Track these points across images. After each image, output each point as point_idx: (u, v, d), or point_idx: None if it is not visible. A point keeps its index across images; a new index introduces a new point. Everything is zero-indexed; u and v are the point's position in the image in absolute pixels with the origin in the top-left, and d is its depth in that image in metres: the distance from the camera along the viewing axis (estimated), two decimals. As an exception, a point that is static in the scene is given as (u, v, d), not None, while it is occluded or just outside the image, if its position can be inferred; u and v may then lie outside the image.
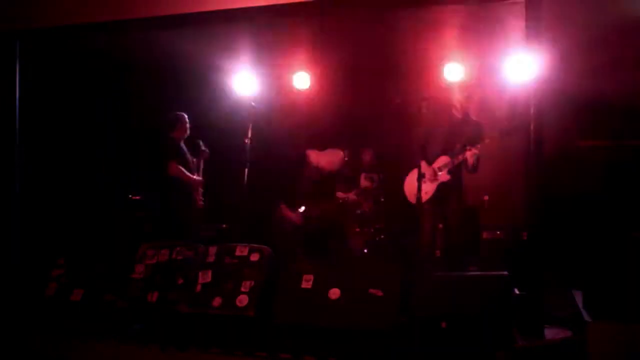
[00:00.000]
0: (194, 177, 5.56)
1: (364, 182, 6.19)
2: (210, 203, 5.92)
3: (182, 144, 5.71)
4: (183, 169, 5.45)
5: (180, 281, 4.16)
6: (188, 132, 5.75)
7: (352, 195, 5.63)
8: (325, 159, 5.65)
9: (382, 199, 6.08)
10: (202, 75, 6.42)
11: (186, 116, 5.75)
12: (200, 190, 5.64)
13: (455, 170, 4.88)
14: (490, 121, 5.18)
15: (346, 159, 6.31)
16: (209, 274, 4.14)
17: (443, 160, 4.90)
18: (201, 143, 5.83)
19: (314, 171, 5.67)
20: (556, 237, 4.50)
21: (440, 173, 4.88)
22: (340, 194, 5.65)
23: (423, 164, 4.78)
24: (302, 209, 5.49)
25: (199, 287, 4.10)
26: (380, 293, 3.70)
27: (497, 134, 4.78)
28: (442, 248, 5.21)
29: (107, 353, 3.88)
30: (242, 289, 3.99)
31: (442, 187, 4.90)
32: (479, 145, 4.78)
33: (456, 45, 5.18)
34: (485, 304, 3.51)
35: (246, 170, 5.52)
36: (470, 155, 4.77)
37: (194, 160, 5.74)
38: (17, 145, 5.37)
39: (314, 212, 5.53)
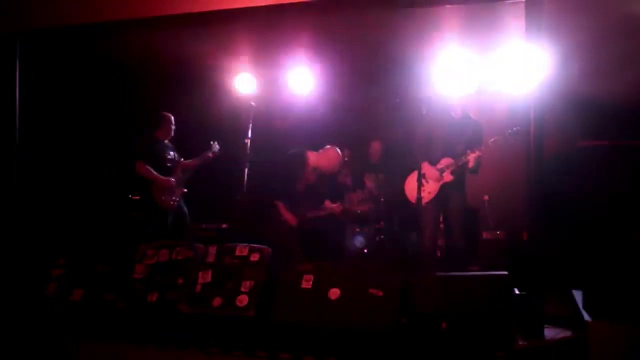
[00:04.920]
0: (166, 178, 5.53)
1: (367, 183, 6.18)
2: (210, 203, 5.92)
3: (166, 143, 5.71)
4: (150, 169, 5.45)
5: (180, 281, 4.16)
6: (172, 132, 5.75)
7: (336, 208, 5.56)
8: (323, 159, 5.58)
9: (382, 199, 6.09)
10: (202, 75, 6.43)
11: (172, 116, 5.74)
12: (174, 191, 5.61)
13: (459, 171, 4.89)
14: (492, 123, 5.18)
15: (346, 159, 6.31)
16: (209, 274, 4.14)
17: (446, 161, 4.91)
18: (214, 144, 5.82)
19: (313, 173, 5.64)
20: (556, 237, 4.50)
21: (444, 174, 4.90)
22: (327, 204, 5.60)
23: (425, 164, 4.79)
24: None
25: (199, 287, 4.10)
26: (380, 293, 3.69)
27: (501, 138, 4.79)
28: (442, 248, 5.22)
29: (107, 353, 3.88)
30: (242, 289, 3.98)
31: (445, 187, 4.91)
32: (482, 148, 4.79)
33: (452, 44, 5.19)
34: (485, 304, 3.51)
35: (246, 170, 5.53)
36: (472, 158, 4.78)
37: (181, 160, 5.74)
38: (17, 146, 5.37)
39: (309, 214, 5.52)
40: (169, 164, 5.63)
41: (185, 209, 5.75)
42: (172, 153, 5.72)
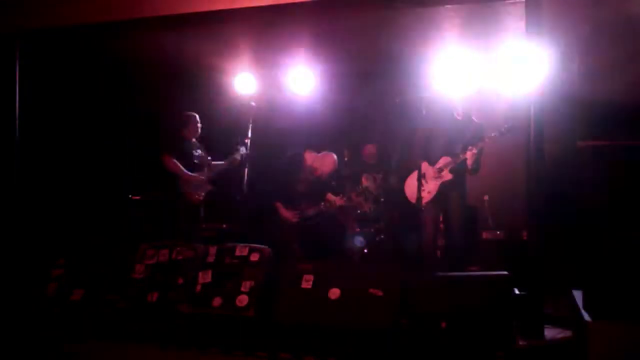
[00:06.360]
0: (193, 174, 5.55)
1: (365, 183, 6.18)
2: (210, 203, 5.92)
3: (194, 142, 5.73)
4: (178, 164, 5.47)
5: (180, 281, 4.16)
6: (199, 132, 5.78)
7: (338, 200, 5.61)
8: (318, 161, 5.68)
9: (382, 199, 6.09)
10: (202, 75, 6.43)
11: (197, 116, 5.77)
12: (201, 188, 5.63)
13: (458, 170, 4.89)
14: (491, 122, 5.18)
15: (346, 158, 6.32)
16: (209, 274, 4.14)
17: (445, 160, 4.91)
18: (241, 149, 5.78)
19: (309, 172, 5.69)
20: (556, 236, 4.50)
21: (442, 172, 4.89)
22: (330, 197, 5.65)
23: (424, 164, 4.79)
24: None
25: (199, 287, 4.10)
26: (380, 293, 3.69)
27: (496, 133, 4.79)
28: (442, 248, 5.21)
29: (107, 353, 3.88)
30: (242, 289, 3.98)
31: (444, 187, 4.91)
32: (479, 144, 4.78)
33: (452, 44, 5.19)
34: (485, 304, 3.51)
35: (246, 170, 5.53)
36: (470, 155, 4.77)
37: (209, 159, 5.75)
38: (17, 146, 5.37)
39: (309, 212, 5.53)
40: (195, 161, 5.66)
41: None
42: (199, 151, 5.76)
